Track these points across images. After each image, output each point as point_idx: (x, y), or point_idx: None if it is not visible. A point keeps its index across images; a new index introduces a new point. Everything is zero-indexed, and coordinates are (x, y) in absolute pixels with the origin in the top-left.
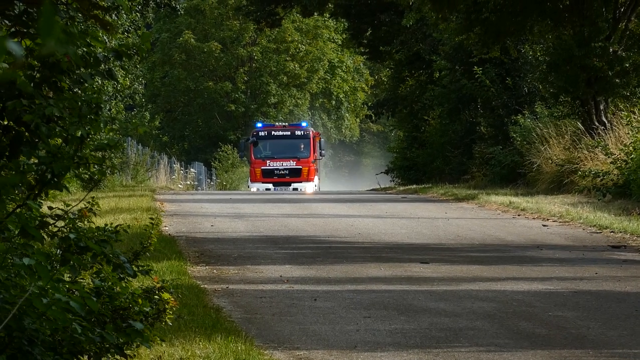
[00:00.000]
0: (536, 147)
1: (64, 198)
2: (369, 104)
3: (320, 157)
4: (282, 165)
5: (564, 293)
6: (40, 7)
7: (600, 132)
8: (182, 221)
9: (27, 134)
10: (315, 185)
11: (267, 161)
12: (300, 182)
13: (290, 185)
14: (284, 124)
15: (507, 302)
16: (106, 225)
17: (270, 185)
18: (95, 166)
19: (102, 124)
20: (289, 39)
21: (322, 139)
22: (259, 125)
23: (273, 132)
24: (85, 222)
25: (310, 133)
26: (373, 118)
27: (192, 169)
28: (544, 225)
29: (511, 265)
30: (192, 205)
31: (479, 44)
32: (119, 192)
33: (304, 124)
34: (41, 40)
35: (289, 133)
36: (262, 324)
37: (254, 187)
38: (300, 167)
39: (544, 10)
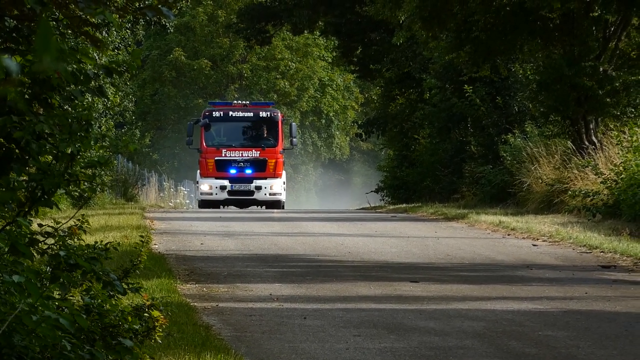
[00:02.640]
0: (526, 167)
1: (54, 215)
2: (359, 122)
3: (292, 147)
4: (242, 156)
5: (553, 312)
6: (32, 24)
7: (591, 151)
8: (172, 239)
9: (17, 150)
10: (284, 184)
11: (223, 150)
12: (265, 178)
13: (252, 183)
14: (244, 102)
15: (496, 322)
16: (96, 242)
17: (226, 183)
18: (86, 183)
19: (92, 141)
20: (279, 57)
21: (292, 123)
22: (211, 104)
23: (231, 113)
24: (75, 240)
25: (279, 115)
26: (363, 136)
27: (182, 187)
28: (534, 245)
29: (501, 285)
30: (182, 223)
31: (469, 63)
32: (109, 210)
33: (270, 105)
34: (37, 57)
35: (251, 114)
36: (252, 342)
37: (205, 184)
38: (265, 158)
39: (534, 29)
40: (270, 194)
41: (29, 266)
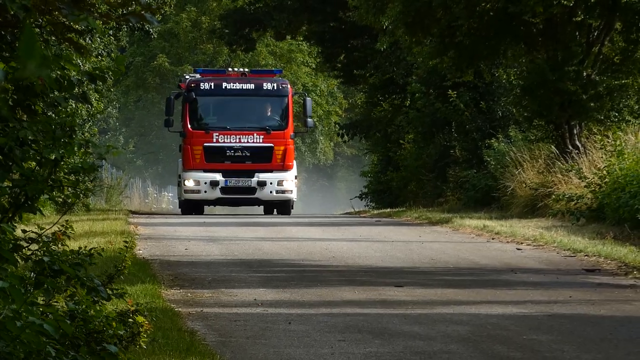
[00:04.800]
0: (510, 171)
1: (38, 221)
2: (341, 124)
3: (306, 130)
4: (240, 142)
5: (538, 316)
6: (16, 31)
7: (574, 155)
8: (156, 244)
9: (0, 157)
10: (295, 178)
11: (214, 134)
12: (271, 170)
13: (253, 177)
14: (242, 69)
15: (481, 326)
16: (80, 248)
17: (218, 177)
18: (69, 189)
19: (76, 147)
20: (263, 63)
21: (307, 98)
22: (198, 72)
23: (224, 84)
24: (59, 245)
25: (288, 87)
26: (345, 138)
27: (166, 193)
28: (518, 249)
29: (485, 289)
30: (166, 228)
31: (453, 68)
32: (93, 216)
33: (276, 73)
34: (21, 63)
35: (251, 86)
36: (237, 348)
37: (189, 178)
38: (271, 144)
39: (517, 34)
40: (277, 192)
41: (12, 272)
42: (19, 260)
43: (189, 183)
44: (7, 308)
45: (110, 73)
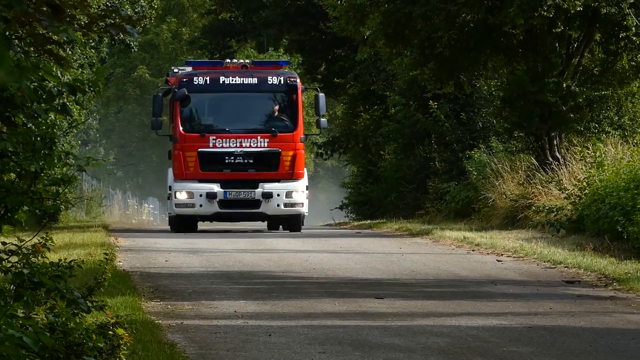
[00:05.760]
0: (490, 183)
1: (18, 233)
2: (319, 142)
3: (319, 131)
4: (241, 146)
5: (518, 328)
6: None
7: (554, 167)
8: (136, 256)
9: None
10: (306, 189)
11: (210, 137)
12: (278, 179)
13: (257, 187)
14: (243, 61)
15: (461, 338)
16: (60, 260)
17: (216, 187)
18: (49, 201)
19: (55, 159)
20: None
21: (320, 94)
22: (189, 64)
23: (222, 79)
24: (39, 258)
25: (297, 82)
26: (325, 156)
27: (147, 205)
28: (499, 261)
29: (466, 301)
30: (147, 240)
31: (433, 79)
32: (73, 227)
33: (283, 65)
34: None
35: (254, 81)
36: None
37: (182, 190)
38: (278, 149)
39: (497, 45)
40: (286, 205)
41: None
42: None
43: (181, 195)
44: None
45: (91, 85)
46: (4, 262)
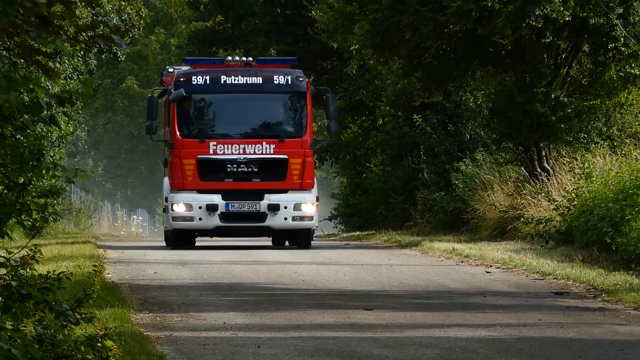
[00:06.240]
0: (479, 194)
1: (6, 245)
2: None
3: (331, 136)
4: (245, 153)
5: (507, 339)
6: None
7: (543, 178)
8: (125, 268)
9: None
10: (317, 201)
11: (210, 143)
12: (285, 190)
13: (262, 199)
14: (246, 59)
15: (450, 349)
16: (49, 272)
17: (217, 199)
18: (38, 213)
19: (44, 171)
20: None
21: (329, 95)
22: (185, 63)
23: (224, 78)
24: (28, 270)
25: (306, 82)
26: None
27: (135, 216)
28: (488, 272)
29: (455, 312)
30: (135, 252)
31: (421, 89)
32: (62, 239)
33: (290, 62)
34: None
35: (258, 80)
36: None
37: (179, 202)
38: (285, 157)
39: (486, 56)
40: (294, 219)
41: None
42: None
43: (179, 208)
44: None
45: (79, 96)
46: None
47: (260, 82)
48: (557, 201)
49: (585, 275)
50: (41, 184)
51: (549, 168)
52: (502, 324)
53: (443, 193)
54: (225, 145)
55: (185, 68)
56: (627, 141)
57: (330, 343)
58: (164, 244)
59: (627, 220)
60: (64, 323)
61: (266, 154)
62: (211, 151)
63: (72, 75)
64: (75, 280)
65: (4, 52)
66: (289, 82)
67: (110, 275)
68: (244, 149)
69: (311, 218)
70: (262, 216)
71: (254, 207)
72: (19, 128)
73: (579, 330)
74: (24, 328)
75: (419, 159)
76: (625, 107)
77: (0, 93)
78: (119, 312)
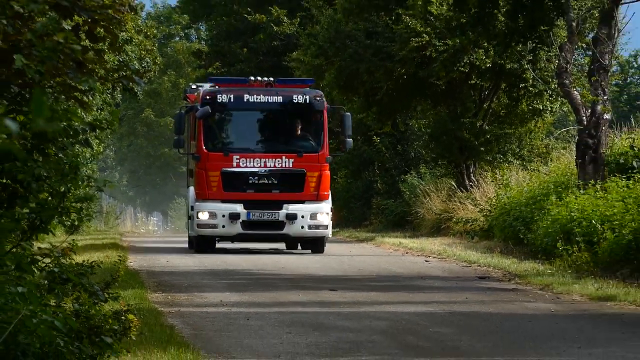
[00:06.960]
0: (421, 200)
1: (50, 240)
2: None
3: (345, 151)
4: (266, 166)
5: (441, 313)
6: (32, 90)
7: (470, 188)
8: (143, 258)
9: (21, 189)
10: (331, 211)
11: (234, 156)
12: (302, 201)
13: (281, 208)
14: (268, 79)
15: (397, 321)
16: (83, 261)
17: (239, 208)
18: (75, 215)
19: (80, 182)
20: None
21: (346, 114)
22: (211, 82)
23: (247, 97)
24: (67, 259)
25: (324, 101)
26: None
27: (152, 218)
28: (426, 261)
29: (400, 292)
30: (151, 246)
31: (376, 120)
32: (94, 236)
33: (308, 83)
34: (33, 119)
35: (279, 99)
36: (206, 339)
37: (204, 211)
38: (303, 170)
39: (425, 93)
40: (310, 227)
41: (30, 280)
42: (35, 271)
43: (204, 216)
44: (26, 308)
45: (108, 123)
46: (39, 262)
47: (281, 100)
48: (481, 205)
49: (502, 263)
50: (78, 192)
51: (474, 180)
52: (437, 301)
53: (393, 200)
54: (248, 159)
55: (206, 86)
56: (535, 160)
57: (303, 316)
58: (173, 239)
59: (535, 220)
60: (96, 301)
61: (285, 167)
62: (235, 164)
63: (102, 107)
64: (104, 267)
65: (49, 90)
66: (308, 101)
67: (132, 263)
68: (265, 162)
69: (326, 227)
70: (280, 224)
71: (273, 216)
72: (60, 148)
73: (497, 306)
74: (64, 305)
75: (374, 172)
76: (533, 133)
77: (46, 122)
78: (139, 293)
